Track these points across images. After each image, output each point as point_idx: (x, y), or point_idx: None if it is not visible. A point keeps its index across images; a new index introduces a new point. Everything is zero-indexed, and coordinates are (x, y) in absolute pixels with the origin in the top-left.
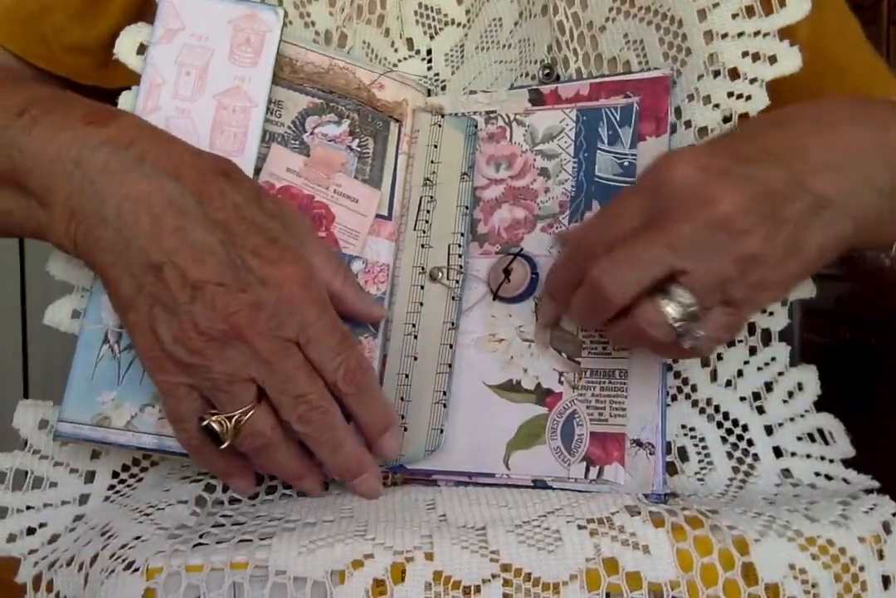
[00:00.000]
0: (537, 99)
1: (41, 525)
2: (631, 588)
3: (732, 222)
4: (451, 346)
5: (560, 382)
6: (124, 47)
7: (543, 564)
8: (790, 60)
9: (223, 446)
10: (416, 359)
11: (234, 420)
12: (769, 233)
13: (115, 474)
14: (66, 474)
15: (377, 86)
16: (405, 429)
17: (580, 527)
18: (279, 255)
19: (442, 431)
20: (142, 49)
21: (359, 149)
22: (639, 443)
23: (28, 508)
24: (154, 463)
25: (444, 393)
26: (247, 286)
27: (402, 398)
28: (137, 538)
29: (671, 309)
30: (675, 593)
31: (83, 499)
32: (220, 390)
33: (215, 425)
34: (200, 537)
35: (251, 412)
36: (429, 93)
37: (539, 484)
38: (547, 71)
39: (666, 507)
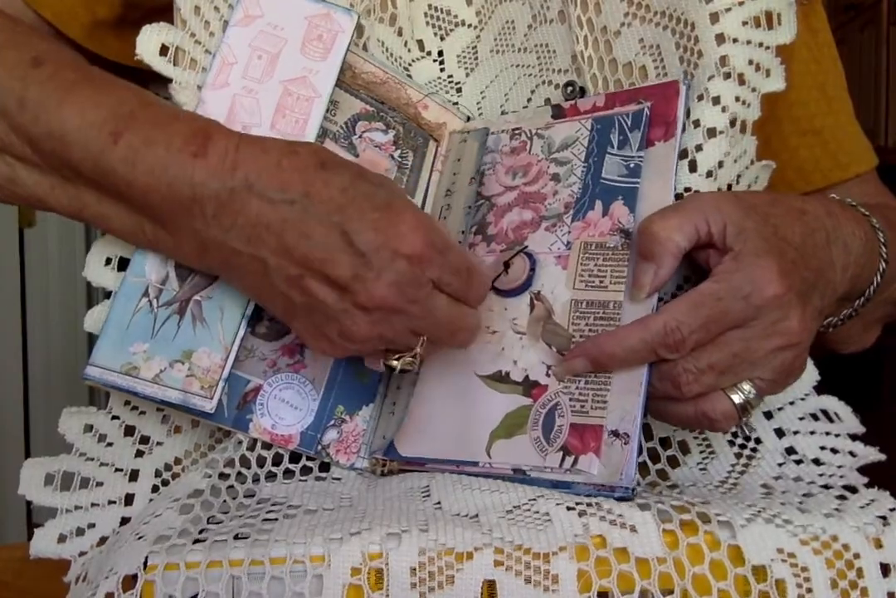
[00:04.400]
0: (558, 114)
1: (90, 526)
2: (619, 562)
3: (799, 343)
4: None
5: (547, 374)
6: (146, 47)
7: (534, 538)
8: (776, 80)
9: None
10: None
11: (416, 356)
12: (810, 343)
13: (157, 473)
14: (111, 473)
15: (422, 105)
16: (392, 414)
17: (569, 508)
18: (396, 219)
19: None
20: (164, 50)
21: (399, 159)
22: (616, 434)
23: (76, 508)
24: (195, 461)
25: (416, 374)
26: (381, 268)
27: (398, 387)
28: (151, 513)
29: (737, 398)
30: (663, 568)
31: (129, 499)
32: (393, 344)
33: (404, 366)
34: (208, 521)
35: (423, 346)
36: (468, 119)
37: (518, 473)
38: (570, 89)
39: (654, 497)
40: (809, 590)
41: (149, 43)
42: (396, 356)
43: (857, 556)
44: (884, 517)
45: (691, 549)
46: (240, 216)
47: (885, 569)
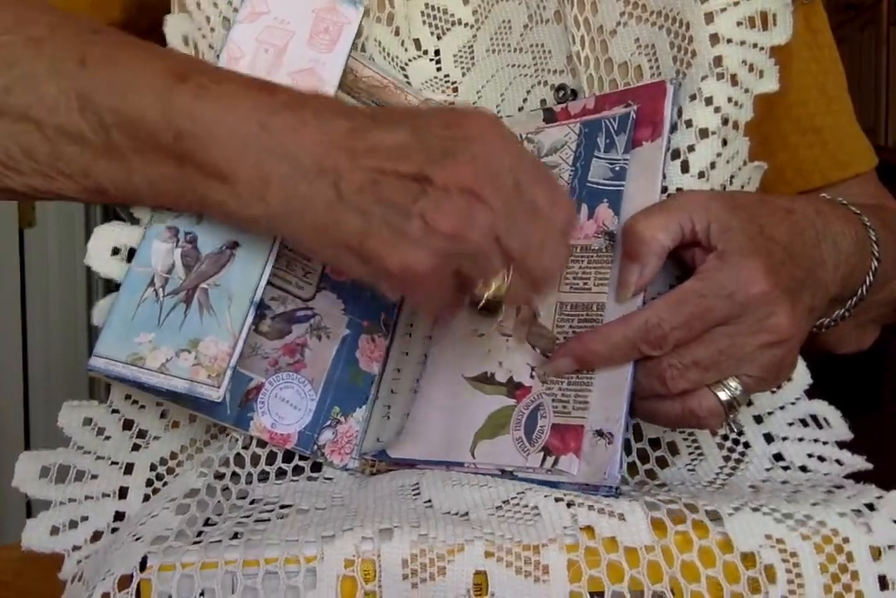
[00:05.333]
0: (550, 117)
1: (83, 519)
2: (608, 551)
3: (789, 339)
4: (429, 338)
5: (531, 376)
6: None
7: (523, 532)
8: (770, 81)
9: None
10: (407, 354)
11: (504, 281)
12: (801, 341)
13: (152, 467)
14: (107, 466)
15: None
16: (388, 418)
17: (557, 500)
18: (464, 112)
19: (408, 414)
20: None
21: None
22: (600, 433)
23: (70, 500)
24: (190, 456)
25: (417, 381)
26: (457, 151)
27: (391, 391)
28: (148, 513)
29: (723, 394)
30: (651, 556)
31: (122, 492)
32: (474, 261)
33: (495, 293)
34: (206, 524)
35: (510, 272)
36: None
37: (506, 475)
38: (562, 92)
39: (642, 494)
40: (799, 575)
41: (174, 33)
42: (483, 283)
43: (846, 540)
44: (870, 505)
45: (679, 537)
46: (311, 140)
47: (875, 553)
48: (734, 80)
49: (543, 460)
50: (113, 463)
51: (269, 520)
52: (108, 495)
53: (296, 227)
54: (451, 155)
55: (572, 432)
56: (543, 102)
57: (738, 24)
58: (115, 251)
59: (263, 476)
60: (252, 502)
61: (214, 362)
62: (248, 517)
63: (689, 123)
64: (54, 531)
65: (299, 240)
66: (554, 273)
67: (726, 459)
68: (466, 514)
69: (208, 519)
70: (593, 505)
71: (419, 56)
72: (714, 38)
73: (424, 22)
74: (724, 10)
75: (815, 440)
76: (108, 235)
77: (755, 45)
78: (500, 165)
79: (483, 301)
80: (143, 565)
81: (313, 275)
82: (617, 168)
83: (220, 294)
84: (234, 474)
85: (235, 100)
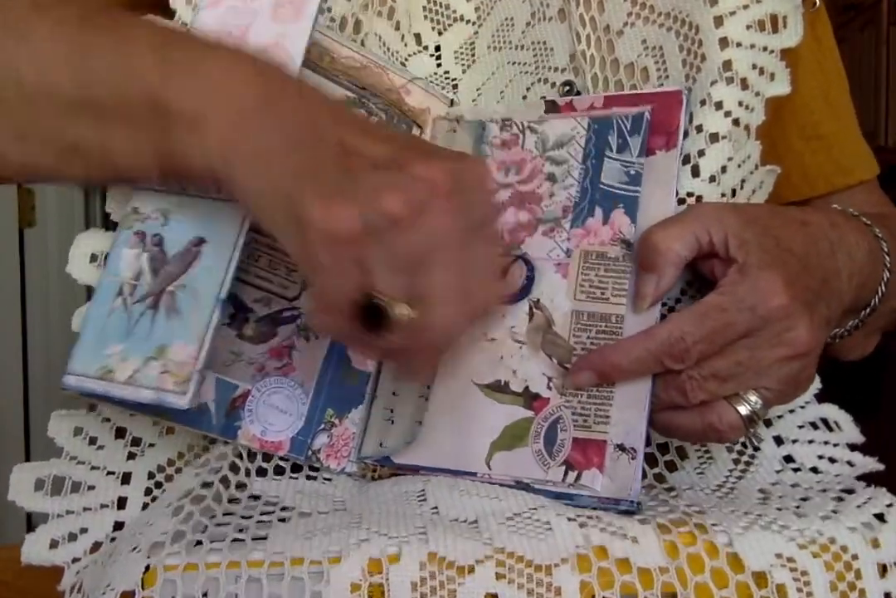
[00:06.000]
0: (552, 109)
1: (82, 531)
2: (621, 573)
3: (808, 353)
4: None
5: (549, 387)
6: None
7: (535, 549)
8: (782, 83)
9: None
10: None
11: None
12: (818, 354)
13: (150, 476)
14: (103, 476)
15: (405, 90)
16: (392, 422)
17: (570, 519)
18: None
19: (420, 423)
20: None
21: None
22: (622, 448)
23: (68, 513)
24: (188, 462)
25: (428, 387)
26: (439, 157)
27: (393, 393)
28: (145, 522)
29: (743, 409)
30: (665, 578)
31: (121, 503)
32: (395, 269)
33: (403, 312)
34: (203, 531)
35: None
36: (451, 103)
37: (521, 486)
38: (567, 88)
39: (651, 511)
40: (810, 594)
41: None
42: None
43: (855, 557)
44: (881, 515)
45: (691, 558)
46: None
47: (882, 569)
48: (744, 84)
49: (565, 474)
50: (109, 473)
51: (270, 523)
52: (107, 506)
53: (257, 177)
54: (437, 158)
55: (594, 447)
56: (543, 98)
57: (748, 27)
58: (94, 258)
59: (261, 473)
60: (251, 497)
61: (182, 368)
62: (248, 517)
63: (699, 128)
64: (53, 544)
65: (244, 190)
66: (445, 342)
67: (735, 462)
68: (475, 522)
69: (209, 520)
70: (605, 527)
71: (419, 51)
72: (723, 42)
73: (426, 17)
74: (733, 13)
75: (826, 442)
76: (88, 243)
77: (765, 49)
78: (475, 200)
79: (396, 315)
80: (144, 571)
81: (298, 273)
82: (632, 172)
83: (186, 296)
84: (232, 469)
85: (206, 53)
